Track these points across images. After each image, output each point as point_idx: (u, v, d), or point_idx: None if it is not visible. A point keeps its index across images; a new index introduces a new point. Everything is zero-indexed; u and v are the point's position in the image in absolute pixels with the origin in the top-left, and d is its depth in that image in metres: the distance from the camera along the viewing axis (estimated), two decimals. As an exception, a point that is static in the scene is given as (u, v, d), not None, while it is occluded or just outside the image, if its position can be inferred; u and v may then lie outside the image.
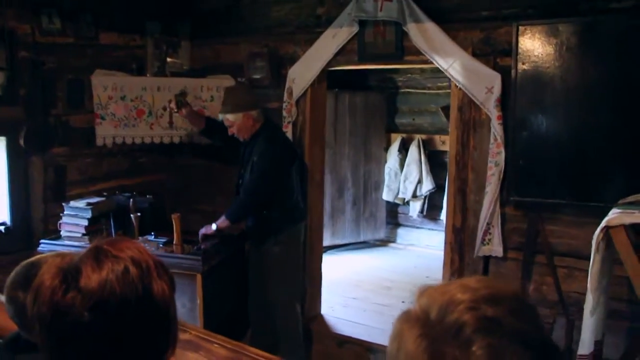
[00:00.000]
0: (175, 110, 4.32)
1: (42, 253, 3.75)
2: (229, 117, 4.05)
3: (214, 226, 4.08)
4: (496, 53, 3.77)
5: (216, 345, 2.72)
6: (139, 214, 4.20)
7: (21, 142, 4.15)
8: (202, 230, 4.12)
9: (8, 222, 4.22)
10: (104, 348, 1.12)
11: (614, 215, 2.72)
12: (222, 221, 4.06)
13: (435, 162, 7.06)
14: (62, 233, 4.20)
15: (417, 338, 0.85)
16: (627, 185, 3.27)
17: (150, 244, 4.06)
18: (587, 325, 2.86)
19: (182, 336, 2.65)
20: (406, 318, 0.90)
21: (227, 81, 4.86)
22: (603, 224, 2.70)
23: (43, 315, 1.13)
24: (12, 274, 1.82)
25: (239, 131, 4.07)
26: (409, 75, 7.21)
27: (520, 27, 3.59)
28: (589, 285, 2.79)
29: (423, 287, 0.93)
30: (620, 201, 3.01)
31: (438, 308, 0.86)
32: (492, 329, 0.82)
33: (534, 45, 3.56)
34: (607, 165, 3.45)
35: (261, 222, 4.15)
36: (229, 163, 4.80)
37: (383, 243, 7.72)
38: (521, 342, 0.82)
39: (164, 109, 4.59)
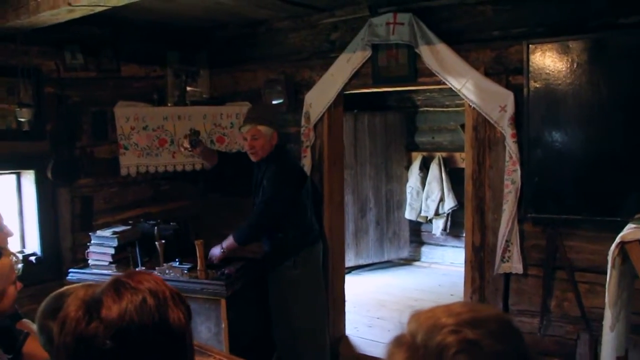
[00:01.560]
0: (190, 149, 4.23)
1: (71, 282, 3.89)
2: (261, 130, 3.99)
3: (221, 247, 4.15)
4: (508, 72, 3.82)
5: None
6: (163, 241, 4.28)
7: (49, 174, 4.30)
8: (212, 252, 4.17)
9: (38, 252, 4.35)
10: None
11: (628, 231, 2.72)
12: (230, 243, 4.11)
13: (456, 179, 7.06)
14: (90, 262, 4.30)
15: None
16: (644, 199, 3.28)
17: (175, 270, 4.14)
18: (607, 341, 2.85)
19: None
20: (396, 342, 0.96)
21: (246, 107, 4.95)
22: (618, 239, 2.70)
23: (68, 345, 1.21)
24: (43, 303, 1.91)
25: (261, 147, 4.02)
26: (428, 93, 7.27)
27: (530, 46, 3.64)
28: (607, 300, 2.78)
29: (413, 312, 0.99)
30: (637, 216, 3.01)
31: (424, 332, 0.92)
32: (472, 350, 0.88)
33: (544, 63, 3.60)
34: (622, 180, 3.45)
35: (277, 245, 4.16)
36: (250, 188, 4.87)
37: (407, 262, 7.74)
38: None
39: (180, 146, 4.50)
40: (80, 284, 2.03)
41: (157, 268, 4.18)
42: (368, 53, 4.27)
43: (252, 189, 4.24)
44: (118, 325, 1.19)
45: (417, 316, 0.98)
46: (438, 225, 7.32)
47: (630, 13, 3.43)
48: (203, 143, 4.35)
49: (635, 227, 2.76)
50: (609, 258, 2.74)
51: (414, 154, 7.62)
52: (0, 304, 2.12)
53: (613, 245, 2.73)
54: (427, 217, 7.34)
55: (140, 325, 1.20)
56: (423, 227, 7.76)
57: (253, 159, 4.09)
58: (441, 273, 7.26)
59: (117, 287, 1.25)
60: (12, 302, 2.17)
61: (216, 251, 4.15)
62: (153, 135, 4.86)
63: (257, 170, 4.16)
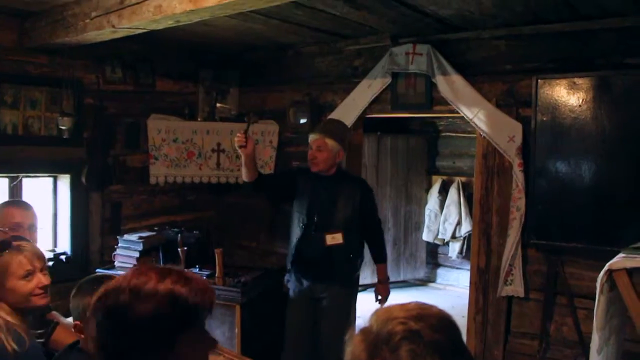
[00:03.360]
0: (244, 141, 3.80)
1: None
2: (328, 143, 3.84)
3: (386, 280, 4.13)
4: (518, 104, 4.02)
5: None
6: (186, 248, 4.51)
7: (83, 179, 4.58)
8: (384, 292, 4.11)
9: (69, 252, 4.62)
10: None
11: (617, 260, 2.88)
12: (385, 268, 4.16)
13: (474, 204, 7.22)
14: (116, 264, 4.56)
15: (361, 342, 1.16)
16: (642, 230, 3.43)
17: (195, 276, 4.37)
18: (594, 364, 3.00)
19: (216, 358, 2.94)
20: (359, 331, 1.19)
21: (272, 126, 5.23)
22: (606, 267, 2.87)
23: (109, 307, 1.36)
24: (77, 286, 2.08)
25: (324, 160, 3.86)
26: (450, 119, 7.45)
27: (539, 80, 3.83)
28: (594, 324, 2.94)
29: (376, 309, 1.22)
30: (631, 246, 3.17)
31: (379, 322, 1.17)
32: (414, 338, 1.11)
33: (552, 97, 3.79)
34: (622, 211, 3.61)
35: (350, 270, 4.01)
36: (271, 202, 5.11)
37: (423, 283, 7.88)
38: (435, 349, 1.10)
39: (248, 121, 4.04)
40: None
41: (178, 273, 4.40)
42: (388, 80, 4.50)
43: (309, 198, 3.94)
44: (168, 295, 1.35)
45: (377, 311, 1.21)
46: (454, 248, 7.46)
47: (636, 54, 3.61)
48: (252, 140, 3.90)
49: (624, 256, 2.92)
50: (598, 284, 2.91)
51: (434, 177, 7.81)
52: (4, 297, 2.24)
53: (602, 272, 2.89)
54: (444, 239, 7.50)
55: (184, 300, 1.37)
56: (440, 250, 7.91)
57: (312, 168, 3.92)
58: (456, 295, 7.38)
59: (161, 271, 1.42)
60: (21, 298, 2.26)
61: (383, 289, 4.12)
62: (182, 148, 5.15)
63: (317, 182, 3.94)
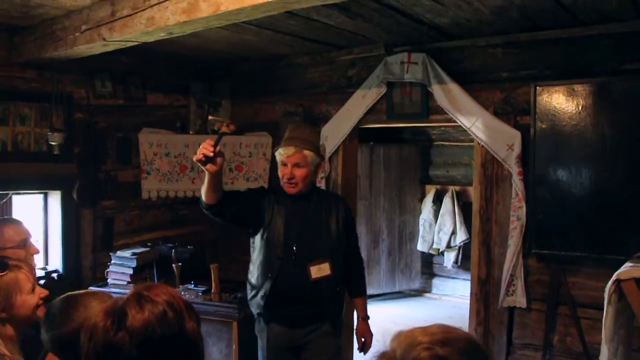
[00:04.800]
0: (212, 151, 2.84)
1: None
2: (308, 156, 3.16)
3: (366, 319, 3.50)
4: (516, 112, 3.98)
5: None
6: (180, 263, 4.42)
7: (74, 195, 4.48)
8: (367, 334, 3.47)
9: (60, 269, 4.52)
10: None
11: (625, 269, 2.84)
12: (365, 304, 3.56)
13: (468, 213, 7.11)
14: (109, 281, 4.46)
15: None
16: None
17: (190, 292, 4.29)
18: (603, 376, 2.94)
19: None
20: (380, 357, 1.12)
21: (265, 138, 5.16)
22: (614, 277, 2.82)
23: (98, 351, 1.38)
24: (48, 315, 2.04)
25: (304, 178, 3.17)
26: (443, 128, 7.41)
27: (537, 88, 3.80)
28: (603, 336, 2.89)
29: (396, 332, 1.14)
30: (636, 255, 3.13)
31: (402, 348, 1.09)
32: None
33: (551, 105, 3.75)
34: (624, 219, 3.56)
35: (335, 302, 3.38)
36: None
37: (418, 293, 7.83)
38: None
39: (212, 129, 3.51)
40: (82, 291, 2.22)
41: (173, 289, 4.32)
42: (383, 90, 4.44)
43: (281, 226, 3.22)
44: (143, 334, 1.35)
45: (398, 335, 1.14)
46: (449, 258, 7.42)
47: (634, 59, 3.58)
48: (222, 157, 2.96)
49: (632, 266, 2.88)
50: (605, 295, 2.86)
51: (427, 186, 7.77)
52: (15, 314, 2.28)
53: (610, 283, 2.84)
54: (439, 249, 7.46)
55: (162, 334, 1.37)
56: (435, 259, 7.87)
57: (289, 190, 3.21)
58: (451, 305, 7.34)
59: (138, 299, 1.42)
60: (29, 311, 2.32)
61: (367, 329, 3.48)
62: (174, 162, 5.07)
63: (291, 204, 3.25)
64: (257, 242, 3.31)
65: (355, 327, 3.54)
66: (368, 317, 3.51)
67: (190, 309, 1.46)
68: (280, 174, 3.23)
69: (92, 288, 4.41)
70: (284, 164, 3.18)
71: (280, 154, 3.20)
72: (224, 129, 2.94)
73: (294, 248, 3.17)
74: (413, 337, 1.10)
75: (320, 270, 3.18)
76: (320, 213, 3.28)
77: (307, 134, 3.25)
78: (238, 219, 3.29)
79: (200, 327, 1.48)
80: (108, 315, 1.40)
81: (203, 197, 3.11)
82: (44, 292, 2.38)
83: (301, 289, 3.17)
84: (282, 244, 3.19)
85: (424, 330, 1.13)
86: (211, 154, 2.84)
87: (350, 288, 3.49)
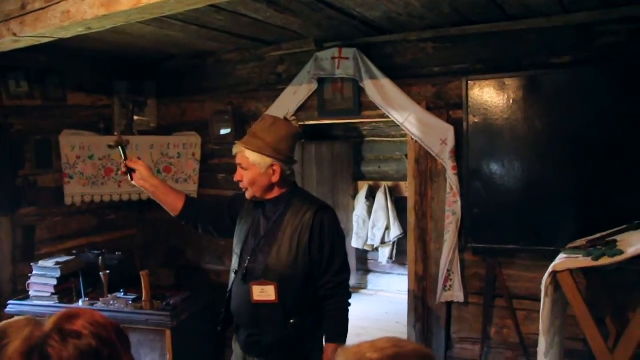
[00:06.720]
0: (124, 164, 3.00)
1: (10, 315, 3.81)
2: (249, 157, 2.75)
3: None
4: (449, 106, 3.97)
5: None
6: (108, 271, 4.23)
7: (-11, 204, 4.21)
8: None
9: (-24, 284, 4.24)
10: None
11: (560, 261, 2.86)
12: (335, 349, 2.69)
13: (402, 208, 7.17)
14: (31, 293, 4.22)
15: None
16: (576, 228, 3.44)
17: (120, 301, 4.10)
18: (541, 366, 2.96)
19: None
20: None
21: (194, 138, 4.99)
22: (550, 269, 2.83)
23: None
24: None
25: (251, 181, 2.77)
26: (374, 124, 7.40)
27: (469, 82, 3.80)
28: (540, 327, 2.90)
29: (342, 348, 1.05)
30: (568, 245, 3.17)
31: None
32: None
33: (483, 99, 3.76)
34: (556, 211, 3.61)
35: (286, 338, 2.74)
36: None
37: (354, 289, 7.75)
38: None
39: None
40: (19, 318, 2.01)
41: (101, 299, 4.14)
42: (314, 86, 4.37)
43: (247, 227, 2.89)
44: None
45: (344, 351, 1.05)
46: (384, 254, 7.41)
47: (561, 53, 3.64)
48: (142, 162, 3.05)
49: (566, 257, 2.90)
50: (542, 287, 2.87)
51: (360, 183, 7.74)
52: None
53: (546, 275, 2.85)
54: (373, 245, 7.43)
55: None
56: (369, 256, 7.85)
57: (246, 195, 2.86)
58: (388, 301, 7.34)
59: (60, 333, 1.23)
60: None
61: None
62: (99, 165, 4.83)
63: (256, 211, 2.90)
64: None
65: None
66: None
67: (121, 335, 1.30)
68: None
69: (11, 302, 4.17)
70: (237, 162, 2.84)
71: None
72: (119, 141, 3.08)
73: (246, 263, 2.78)
74: (361, 353, 1.01)
75: (263, 293, 2.71)
76: (280, 224, 2.76)
77: (259, 130, 2.78)
78: (216, 230, 3.06)
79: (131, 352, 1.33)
80: (25, 357, 1.22)
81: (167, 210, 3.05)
82: None
83: (244, 311, 2.80)
84: (238, 257, 2.86)
85: (372, 345, 1.04)
86: (124, 168, 2.94)
87: (324, 328, 2.85)
